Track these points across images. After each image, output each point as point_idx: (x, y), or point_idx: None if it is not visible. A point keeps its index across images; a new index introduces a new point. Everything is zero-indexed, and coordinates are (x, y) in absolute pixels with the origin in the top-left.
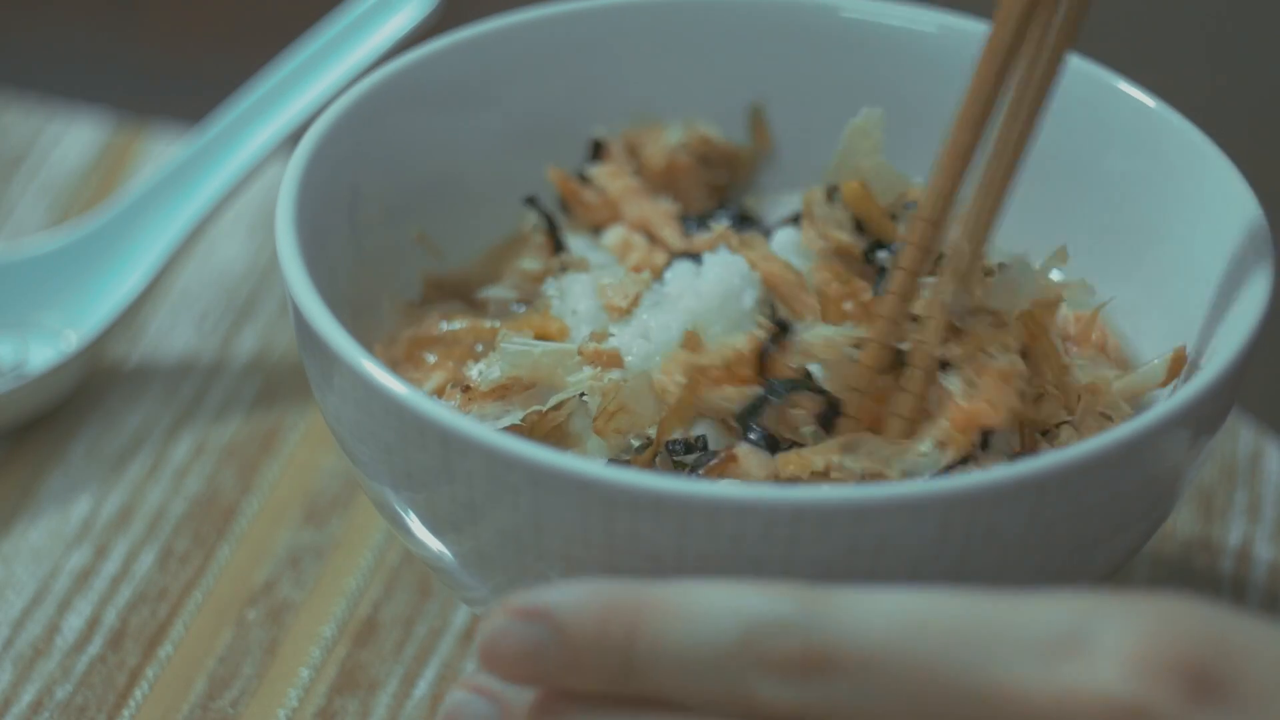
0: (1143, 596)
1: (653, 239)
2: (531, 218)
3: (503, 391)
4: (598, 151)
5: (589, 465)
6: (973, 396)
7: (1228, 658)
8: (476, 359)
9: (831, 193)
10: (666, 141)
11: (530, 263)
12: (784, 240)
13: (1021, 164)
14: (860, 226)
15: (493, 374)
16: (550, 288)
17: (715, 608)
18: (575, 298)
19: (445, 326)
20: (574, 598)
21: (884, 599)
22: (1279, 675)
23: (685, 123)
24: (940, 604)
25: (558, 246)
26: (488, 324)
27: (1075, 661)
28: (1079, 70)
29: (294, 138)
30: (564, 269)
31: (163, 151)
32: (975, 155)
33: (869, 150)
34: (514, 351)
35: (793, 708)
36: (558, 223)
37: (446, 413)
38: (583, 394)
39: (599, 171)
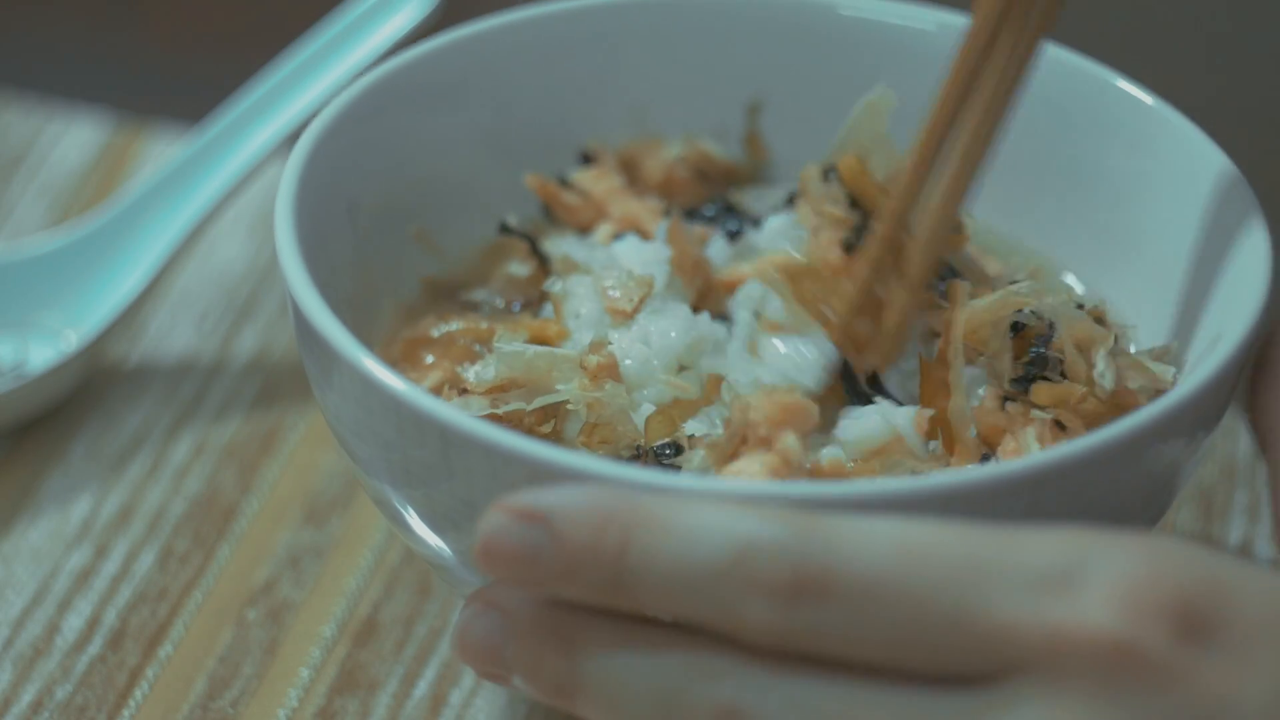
0: (1136, 536)
1: (641, 235)
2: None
3: (498, 392)
4: (587, 163)
5: (586, 461)
6: (1025, 448)
7: (1217, 598)
8: (474, 360)
9: (828, 172)
10: (665, 155)
11: (518, 268)
12: (776, 226)
13: (995, 143)
14: (855, 203)
15: (488, 374)
16: (555, 285)
17: (709, 527)
18: (578, 300)
19: (442, 329)
20: (572, 503)
21: (878, 527)
22: (1267, 616)
23: (685, 138)
24: (935, 535)
25: (540, 258)
26: (484, 325)
27: (1066, 597)
28: (1077, 67)
29: (294, 138)
30: (566, 270)
31: (163, 151)
32: (950, 135)
33: (874, 130)
34: (508, 352)
35: (779, 631)
36: (538, 242)
37: (445, 408)
38: (568, 403)
39: (582, 176)
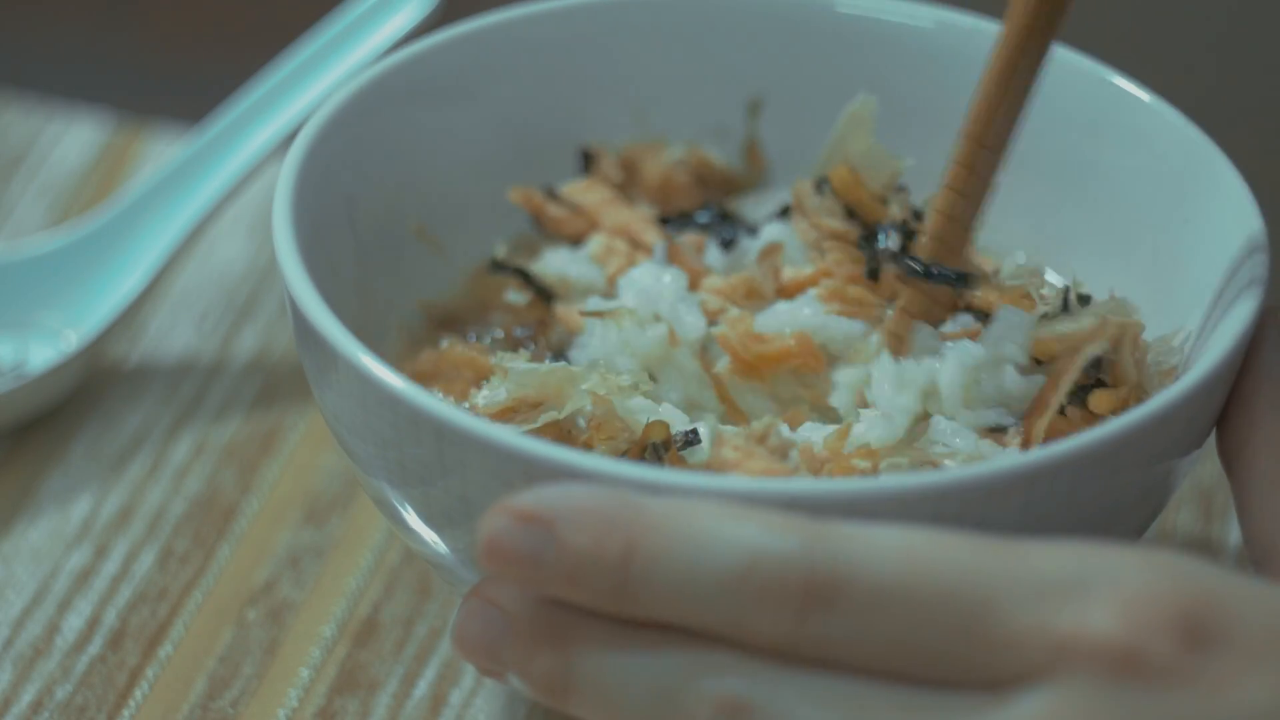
0: (1140, 550)
1: (634, 243)
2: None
3: (509, 414)
4: (587, 162)
5: (583, 459)
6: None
7: (1220, 609)
8: (479, 389)
9: (820, 184)
10: (665, 159)
11: (516, 295)
12: (772, 234)
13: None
14: (851, 213)
15: (499, 396)
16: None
17: (716, 536)
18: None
19: (444, 344)
20: (574, 507)
21: (887, 536)
22: (1268, 629)
23: (688, 143)
24: (942, 544)
25: (537, 289)
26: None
27: (1072, 607)
28: (1075, 65)
29: (294, 138)
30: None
31: (163, 151)
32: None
33: (862, 138)
34: (521, 371)
35: (789, 640)
36: (529, 272)
37: (441, 405)
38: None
39: (570, 188)
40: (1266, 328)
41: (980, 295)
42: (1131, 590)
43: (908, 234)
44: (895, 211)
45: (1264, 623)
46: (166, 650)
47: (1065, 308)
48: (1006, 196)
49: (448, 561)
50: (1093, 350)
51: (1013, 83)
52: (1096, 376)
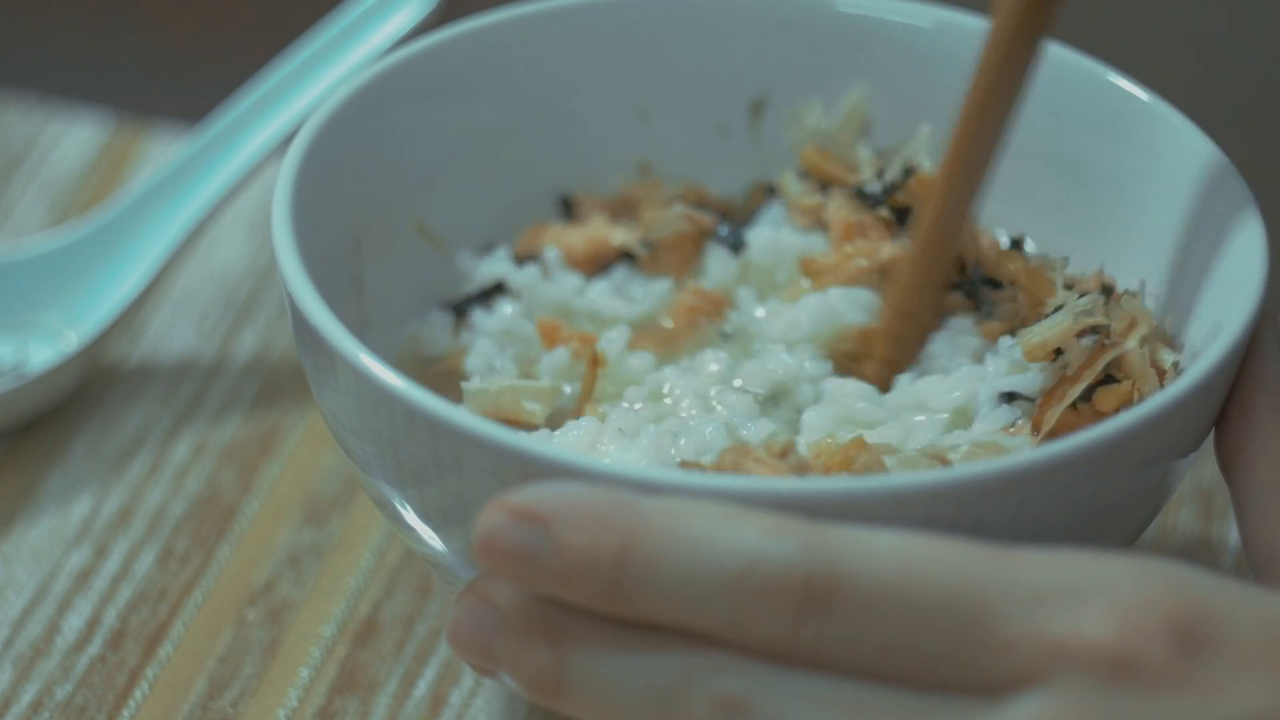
0: (1133, 557)
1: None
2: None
3: None
4: (568, 209)
5: (580, 457)
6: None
7: (1213, 615)
8: None
9: (803, 175)
10: (662, 195)
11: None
12: (762, 236)
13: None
14: (825, 188)
15: None
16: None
17: (713, 540)
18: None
19: None
20: (570, 506)
21: (885, 540)
22: (1259, 633)
23: (685, 182)
24: (939, 550)
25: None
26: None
27: (1066, 614)
28: (1072, 63)
29: (294, 138)
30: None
31: (163, 151)
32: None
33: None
34: (474, 391)
35: (785, 643)
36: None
37: (437, 403)
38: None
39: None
40: (1265, 332)
41: (1004, 266)
42: (1126, 597)
43: (888, 186)
44: (865, 171)
45: (1257, 628)
46: (166, 650)
47: (1106, 297)
48: (1003, 196)
49: (447, 560)
50: (1113, 353)
51: (1005, 80)
52: (1105, 372)
